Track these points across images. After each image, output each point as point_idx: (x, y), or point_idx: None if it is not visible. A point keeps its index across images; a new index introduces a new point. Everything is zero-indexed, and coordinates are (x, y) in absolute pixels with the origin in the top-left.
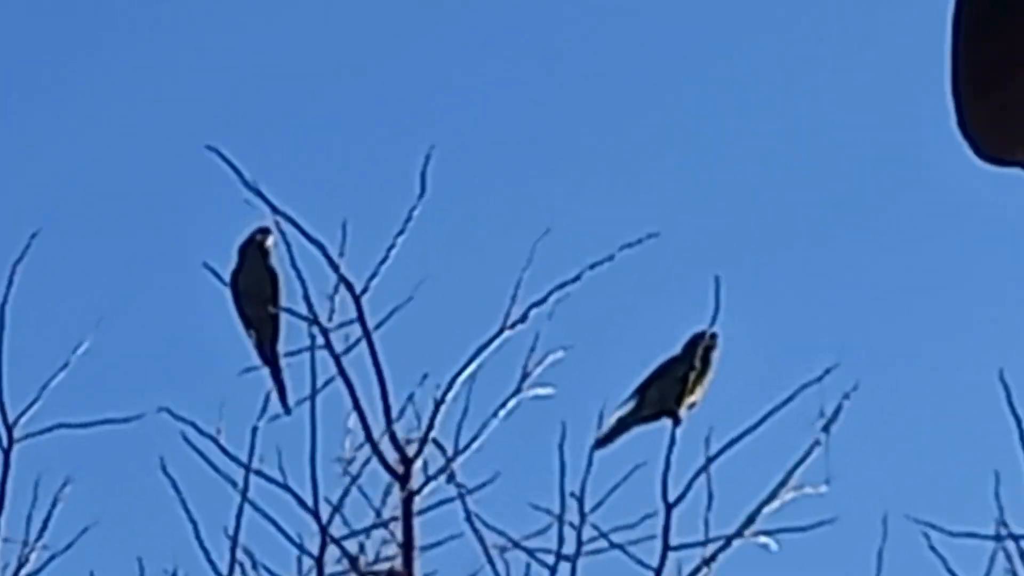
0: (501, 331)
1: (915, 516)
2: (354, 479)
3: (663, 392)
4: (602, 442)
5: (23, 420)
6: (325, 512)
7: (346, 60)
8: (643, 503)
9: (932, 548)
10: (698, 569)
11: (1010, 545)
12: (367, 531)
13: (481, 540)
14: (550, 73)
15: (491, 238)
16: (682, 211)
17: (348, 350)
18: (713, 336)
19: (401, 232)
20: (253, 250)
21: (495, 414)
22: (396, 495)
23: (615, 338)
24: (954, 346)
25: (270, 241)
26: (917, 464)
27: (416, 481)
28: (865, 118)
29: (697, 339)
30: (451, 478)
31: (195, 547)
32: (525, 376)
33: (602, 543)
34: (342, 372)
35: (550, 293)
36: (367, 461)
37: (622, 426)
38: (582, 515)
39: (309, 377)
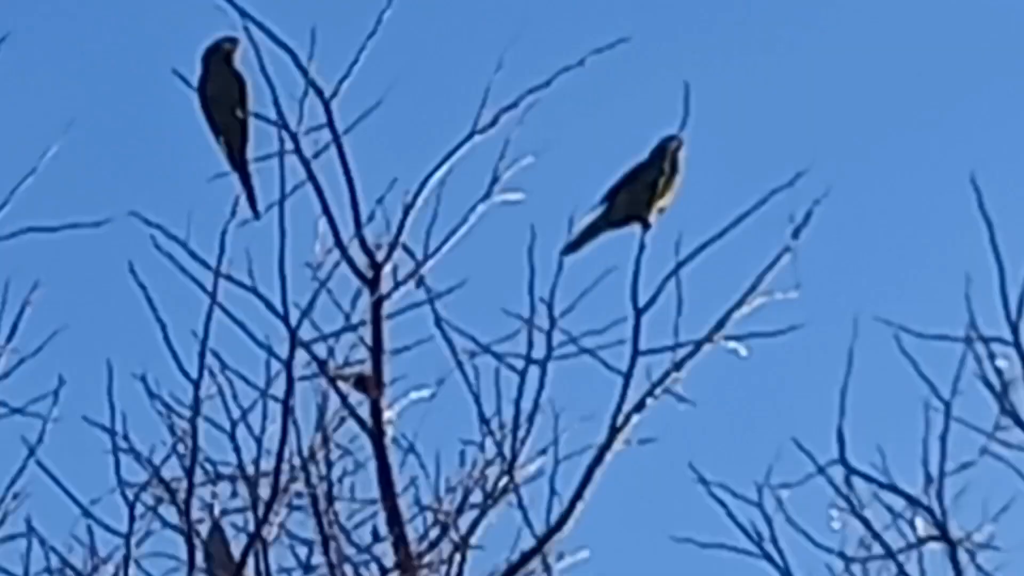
0: (471, 136)
1: (885, 319)
2: (323, 284)
3: (632, 197)
4: (571, 248)
5: None
6: (294, 316)
7: None
8: (613, 308)
9: (902, 351)
10: (667, 374)
11: (980, 347)
12: (336, 335)
13: (450, 345)
14: None
15: (462, 42)
16: (652, 16)
17: (318, 155)
18: (681, 140)
19: (371, 36)
20: (217, 57)
21: (465, 219)
22: (365, 300)
23: (585, 143)
24: (925, 150)
25: (236, 49)
26: (888, 267)
27: (385, 286)
28: None
29: (666, 144)
30: (420, 283)
31: (164, 351)
32: (495, 181)
33: (572, 348)
34: (311, 177)
35: (521, 98)
36: (336, 266)
37: (591, 232)
38: (552, 320)
39: (278, 182)
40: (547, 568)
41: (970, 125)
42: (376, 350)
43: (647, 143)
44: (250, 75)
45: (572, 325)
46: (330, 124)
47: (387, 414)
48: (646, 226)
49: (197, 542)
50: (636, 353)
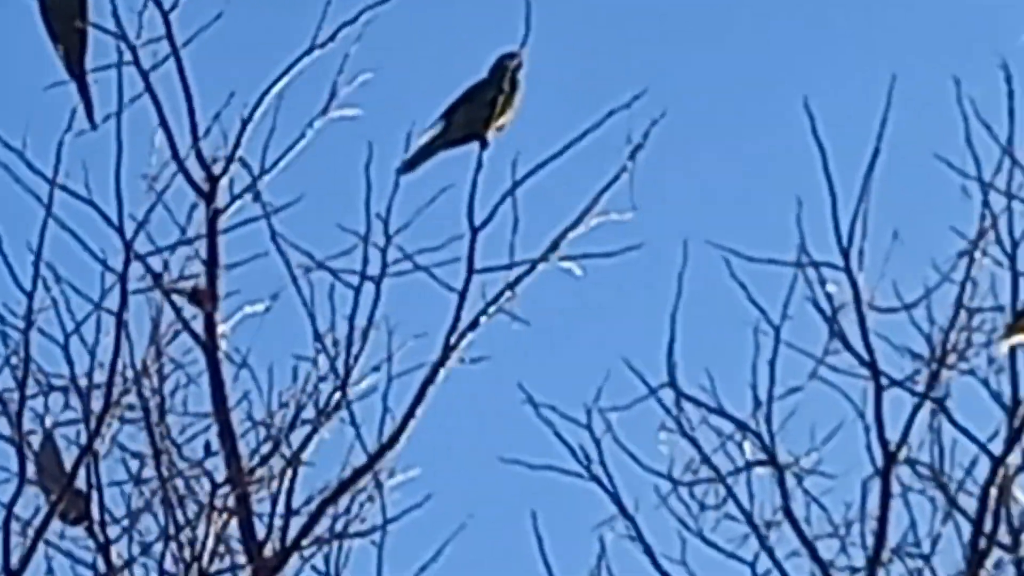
0: (310, 51)
1: (717, 242)
2: (159, 196)
3: (470, 115)
4: (408, 166)
5: None
6: (130, 229)
7: None
8: (449, 226)
9: (733, 275)
10: (501, 293)
11: (810, 272)
12: (171, 248)
13: (286, 260)
14: None
15: None
16: None
17: (156, 67)
18: (520, 58)
19: None
20: None
21: (302, 134)
22: (201, 213)
23: (424, 61)
24: (760, 74)
25: None
26: (721, 191)
27: (222, 199)
28: None
29: (505, 62)
30: (257, 197)
31: None
32: (333, 97)
33: (407, 265)
34: (149, 89)
35: (360, 13)
36: (173, 178)
37: (429, 150)
38: (387, 237)
39: (116, 93)
40: (378, 485)
41: (805, 50)
42: (211, 264)
43: (487, 61)
44: None
45: (408, 242)
46: (169, 36)
47: (221, 328)
48: (484, 144)
49: (28, 454)
50: (471, 271)
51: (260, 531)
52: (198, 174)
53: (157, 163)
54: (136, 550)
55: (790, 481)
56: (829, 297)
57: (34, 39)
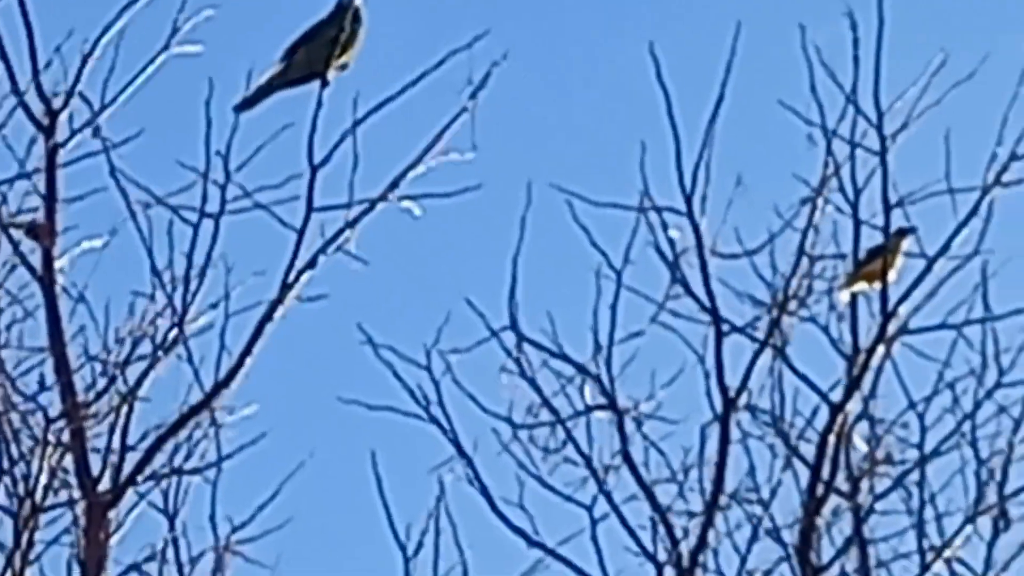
0: None
1: (560, 185)
2: None
3: (311, 54)
4: (247, 104)
5: None
6: None
7: None
8: (289, 164)
9: (575, 218)
10: (340, 232)
11: (653, 216)
12: (10, 182)
13: (124, 195)
14: None
15: None
16: None
17: None
18: None
19: None
20: None
21: (143, 70)
22: (40, 147)
23: None
24: (605, 18)
25: None
26: (564, 134)
27: (61, 134)
28: None
29: (347, 1)
30: (96, 132)
31: None
32: (174, 33)
33: (246, 202)
34: None
35: None
36: (12, 112)
37: (268, 88)
38: (227, 174)
39: None
40: (214, 422)
41: None
42: (50, 198)
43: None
44: None
45: (247, 180)
46: None
47: (59, 263)
48: (324, 83)
49: None
50: (310, 210)
51: (95, 466)
52: (38, 108)
53: None
54: None
55: (629, 425)
56: (671, 242)
57: None
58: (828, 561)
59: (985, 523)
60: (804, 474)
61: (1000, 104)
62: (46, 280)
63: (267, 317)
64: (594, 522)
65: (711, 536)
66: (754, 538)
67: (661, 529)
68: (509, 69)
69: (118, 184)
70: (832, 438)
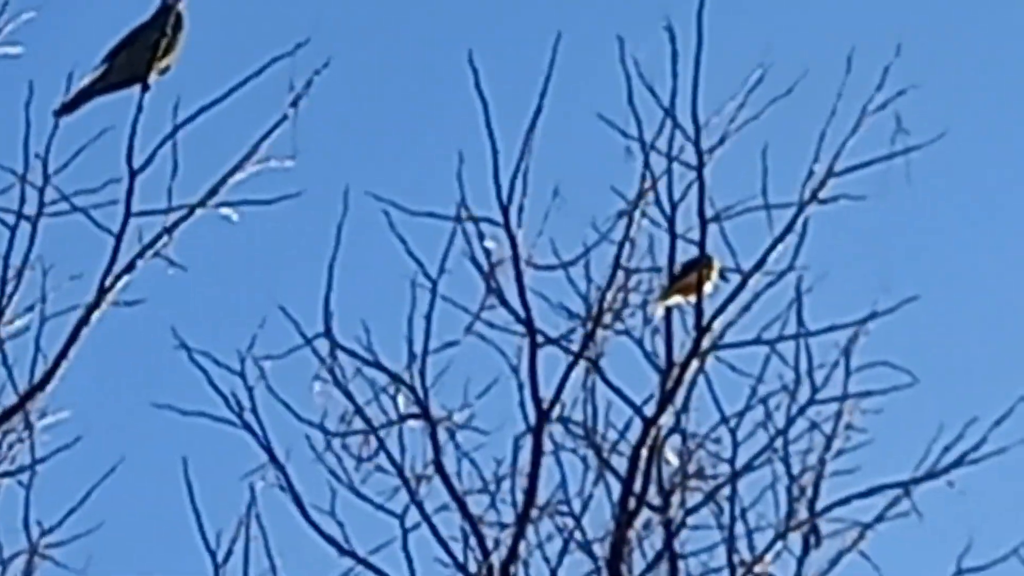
0: None
1: (377, 194)
2: None
3: (132, 58)
4: (67, 108)
5: None
6: None
7: None
8: (108, 168)
9: (392, 227)
10: (158, 237)
11: (469, 227)
12: None
13: None
14: None
15: None
16: None
17: None
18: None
19: None
20: None
21: None
22: None
23: (88, 1)
24: (426, 27)
25: None
26: (383, 142)
27: None
28: None
29: (169, 3)
30: None
31: None
32: None
33: (64, 206)
34: None
35: None
36: None
37: (89, 92)
38: (45, 177)
39: None
40: (28, 426)
41: (472, 3)
42: None
43: (151, 3)
44: None
45: (66, 183)
46: None
47: None
48: (145, 87)
49: None
50: (128, 214)
51: None
52: None
53: None
54: None
55: (442, 435)
56: (487, 253)
57: None
58: (638, 575)
59: (796, 539)
60: (616, 487)
61: (818, 121)
62: None
63: (83, 321)
64: (406, 532)
65: (522, 548)
66: (565, 550)
67: (472, 540)
68: (330, 77)
69: None
70: (644, 452)
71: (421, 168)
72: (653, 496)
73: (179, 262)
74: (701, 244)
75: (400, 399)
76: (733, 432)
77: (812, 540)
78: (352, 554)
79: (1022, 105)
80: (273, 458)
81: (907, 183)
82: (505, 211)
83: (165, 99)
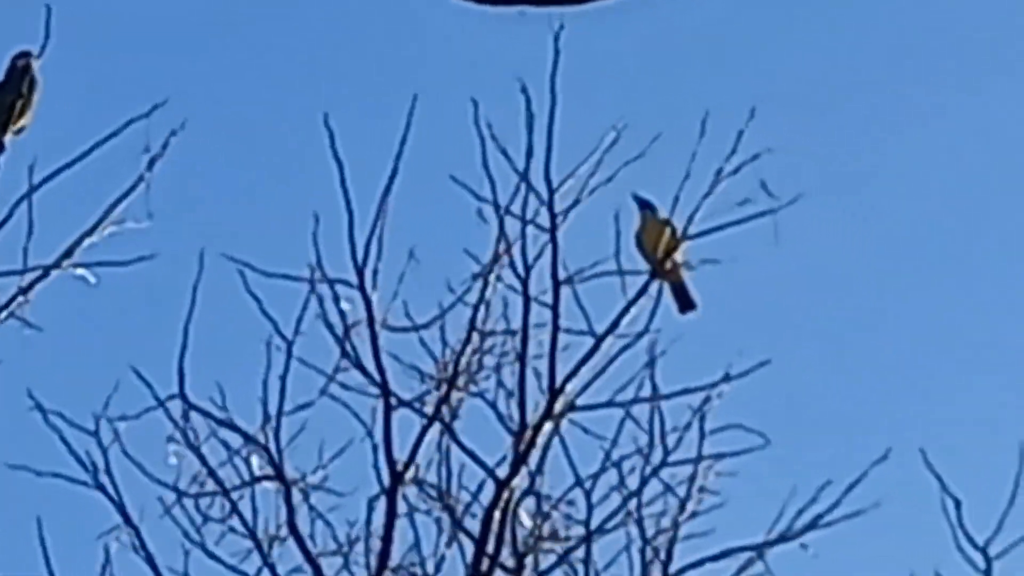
0: None
1: (232, 255)
2: None
3: None
4: None
5: None
6: None
7: None
8: None
9: (247, 288)
10: (14, 298)
11: (324, 288)
12: None
13: None
14: None
15: None
16: None
17: None
18: (32, 55)
19: None
20: None
21: None
22: None
23: None
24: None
25: None
26: (238, 203)
27: None
28: None
29: (18, 62)
30: None
31: None
32: None
33: None
34: None
35: None
36: None
37: None
38: None
39: None
40: None
41: (326, 64)
42: None
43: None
44: None
45: None
46: None
47: None
48: (1, 149)
49: None
50: None
51: None
52: None
53: None
54: None
55: (296, 497)
56: (342, 314)
57: None
58: None
59: None
60: (470, 548)
61: (672, 185)
62: None
63: None
64: None
65: None
66: None
67: None
68: (186, 138)
69: None
70: (498, 513)
71: (276, 230)
72: (507, 558)
73: (34, 323)
74: (554, 307)
75: (254, 460)
76: (587, 494)
77: None
78: None
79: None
80: (127, 519)
81: (767, 243)
82: (360, 273)
83: (20, 160)
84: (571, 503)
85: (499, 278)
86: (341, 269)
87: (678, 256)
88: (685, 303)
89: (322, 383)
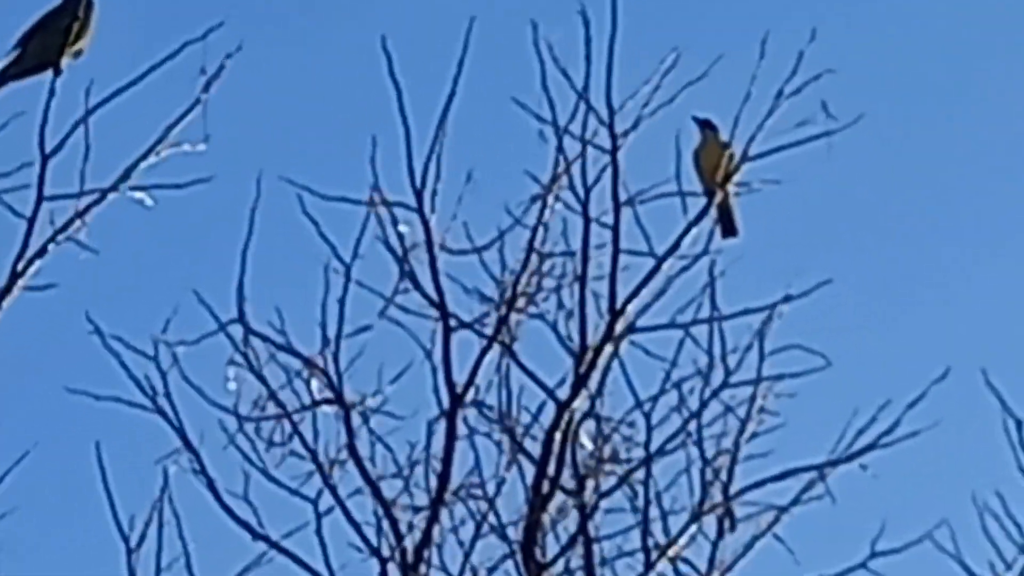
0: None
1: (290, 178)
2: None
3: (45, 43)
4: None
5: None
6: None
7: None
8: (20, 152)
9: (305, 211)
10: (71, 221)
11: (383, 211)
12: None
13: None
14: None
15: None
16: None
17: None
18: None
19: None
20: None
21: None
22: None
23: None
24: (337, 13)
25: None
26: (296, 127)
27: None
28: None
29: None
30: None
31: None
32: None
33: None
34: None
35: None
36: None
37: (2, 77)
38: None
39: None
40: None
41: None
42: None
43: None
44: None
45: None
46: None
47: None
48: (57, 72)
49: None
50: (40, 199)
51: None
52: None
53: None
54: None
55: (356, 420)
56: (401, 237)
57: None
58: (552, 558)
59: (710, 522)
60: (530, 471)
61: (733, 106)
62: None
63: None
64: (319, 516)
65: (436, 532)
66: (479, 534)
67: (386, 524)
68: (242, 61)
69: None
70: (558, 435)
71: (334, 153)
72: (567, 480)
73: (92, 246)
74: (615, 228)
75: (314, 384)
76: (647, 416)
77: (726, 524)
78: (265, 538)
79: (938, 89)
80: (187, 443)
81: (827, 163)
82: (419, 195)
83: (78, 84)
84: (631, 425)
85: (559, 199)
86: (400, 192)
87: (731, 182)
88: (728, 228)
89: (381, 306)
